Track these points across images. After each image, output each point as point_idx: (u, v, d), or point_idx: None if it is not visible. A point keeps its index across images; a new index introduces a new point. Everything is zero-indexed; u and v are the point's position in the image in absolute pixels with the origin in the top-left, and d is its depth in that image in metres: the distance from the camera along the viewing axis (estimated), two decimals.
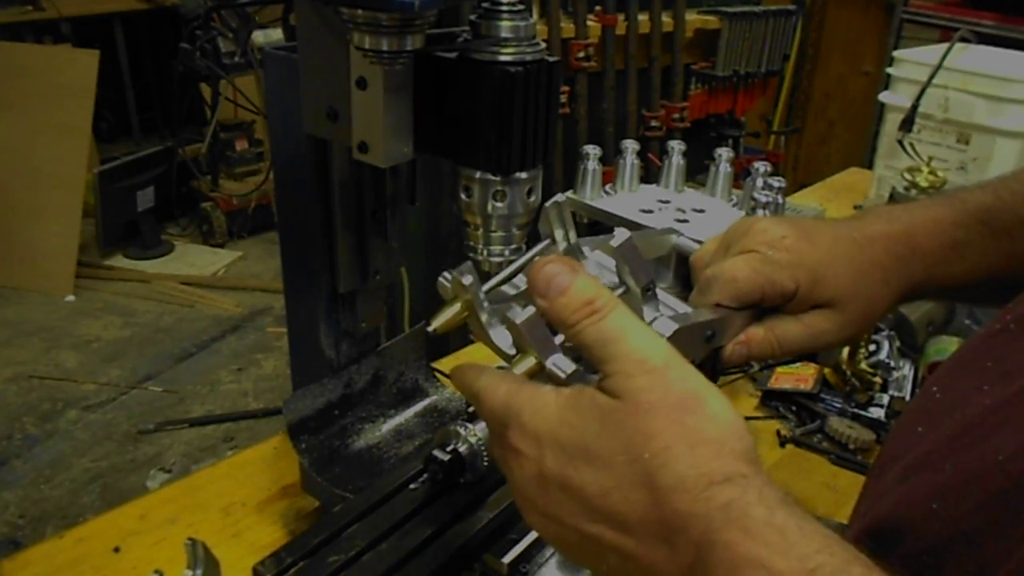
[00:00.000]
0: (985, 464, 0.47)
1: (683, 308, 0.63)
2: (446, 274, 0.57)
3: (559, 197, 0.60)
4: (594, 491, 0.44)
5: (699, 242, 0.72)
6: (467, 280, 0.55)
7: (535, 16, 0.66)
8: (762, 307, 0.64)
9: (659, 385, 0.44)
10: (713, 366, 0.82)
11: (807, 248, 0.64)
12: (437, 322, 0.57)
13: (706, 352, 0.64)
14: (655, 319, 0.57)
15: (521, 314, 0.48)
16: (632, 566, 0.45)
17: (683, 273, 0.78)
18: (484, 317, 0.55)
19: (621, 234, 0.54)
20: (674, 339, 0.55)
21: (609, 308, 0.46)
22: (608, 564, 0.46)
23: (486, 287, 0.59)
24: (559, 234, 0.63)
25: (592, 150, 0.93)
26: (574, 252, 0.63)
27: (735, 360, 0.63)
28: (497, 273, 0.69)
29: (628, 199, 0.93)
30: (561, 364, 0.49)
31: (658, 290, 0.58)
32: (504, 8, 0.63)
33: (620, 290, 0.57)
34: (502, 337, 0.55)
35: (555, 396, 0.47)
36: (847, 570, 0.39)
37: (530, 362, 0.50)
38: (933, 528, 0.48)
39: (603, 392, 0.46)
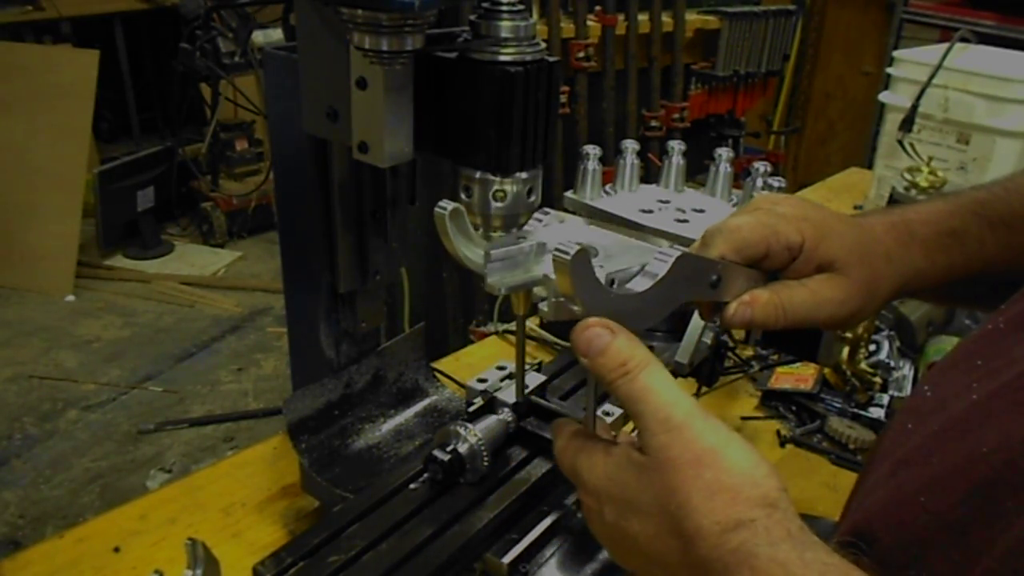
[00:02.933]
0: (970, 457, 0.47)
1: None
2: (443, 202, 0.58)
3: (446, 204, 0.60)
4: (643, 539, 0.50)
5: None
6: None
7: (535, 16, 0.66)
8: (767, 267, 0.63)
9: (679, 442, 0.48)
10: (712, 365, 0.82)
11: (811, 206, 0.65)
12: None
13: (709, 302, 0.62)
14: (658, 250, 0.55)
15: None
16: None
17: None
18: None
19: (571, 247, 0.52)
20: (679, 264, 0.55)
21: (639, 369, 0.50)
22: None
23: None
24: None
25: (592, 150, 0.93)
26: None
27: (738, 322, 0.62)
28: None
29: (628, 199, 0.93)
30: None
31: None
32: (504, 8, 0.63)
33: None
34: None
35: (603, 456, 0.53)
36: None
37: None
38: (920, 521, 0.48)
39: (637, 449, 0.51)
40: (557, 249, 0.49)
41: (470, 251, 0.61)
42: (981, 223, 0.68)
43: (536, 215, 0.65)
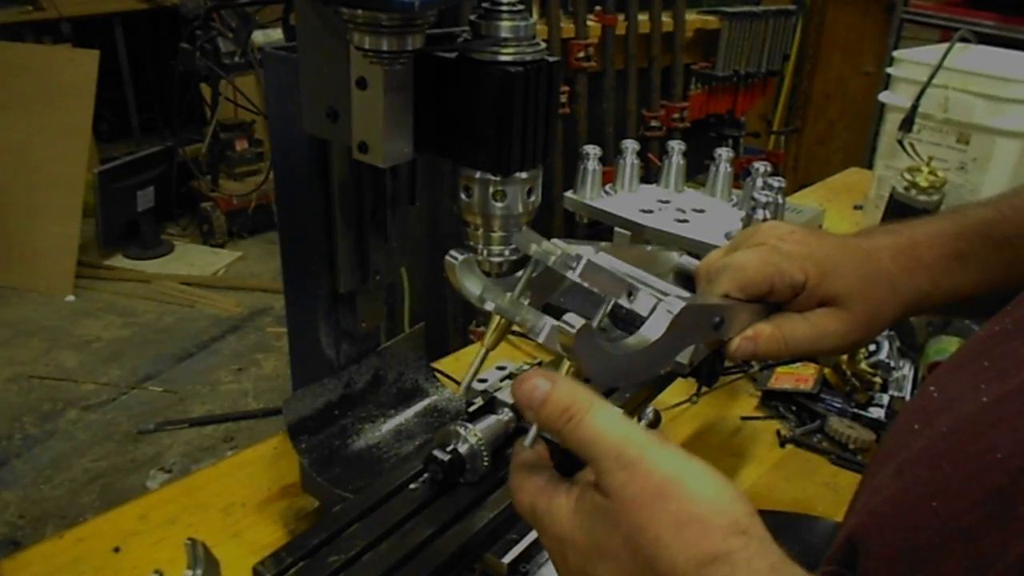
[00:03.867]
0: (983, 462, 0.47)
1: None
2: (454, 252, 0.59)
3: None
4: None
5: (701, 246, 0.72)
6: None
7: (535, 16, 0.66)
8: (770, 301, 0.64)
9: (637, 478, 0.46)
10: (712, 366, 0.82)
11: (816, 242, 0.65)
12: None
13: (713, 340, 0.63)
14: (659, 302, 0.56)
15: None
16: None
17: (682, 275, 0.78)
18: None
19: (574, 321, 0.53)
20: (681, 317, 0.55)
21: (583, 411, 0.49)
22: None
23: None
24: (535, 248, 0.61)
25: (592, 150, 0.93)
26: (566, 260, 0.62)
27: (741, 356, 0.63)
28: (497, 272, 0.69)
29: (628, 199, 0.93)
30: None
31: (665, 283, 0.58)
32: (504, 8, 0.63)
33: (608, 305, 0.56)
34: None
35: (566, 501, 0.51)
36: None
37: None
38: (931, 525, 0.48)
39: (598, 491, 0.49)
40: (563, 321, 0.50)
41: (478, 289, 0.61)
42: (987, 244, 0.68)
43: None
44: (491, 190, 0.68)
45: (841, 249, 0.65)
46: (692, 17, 3.35)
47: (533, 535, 0.71)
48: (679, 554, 0.44)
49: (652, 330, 0.55)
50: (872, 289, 0.65)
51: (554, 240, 0.63)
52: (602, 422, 0.48)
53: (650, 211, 0.89)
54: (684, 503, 0.45)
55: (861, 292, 0.64)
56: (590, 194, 0.93)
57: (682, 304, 0.55)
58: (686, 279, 0.73)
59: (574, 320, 0.50)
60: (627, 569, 0.47)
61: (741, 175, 0.98)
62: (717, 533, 0.44)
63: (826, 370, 1.12)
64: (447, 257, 0.60)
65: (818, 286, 0.63)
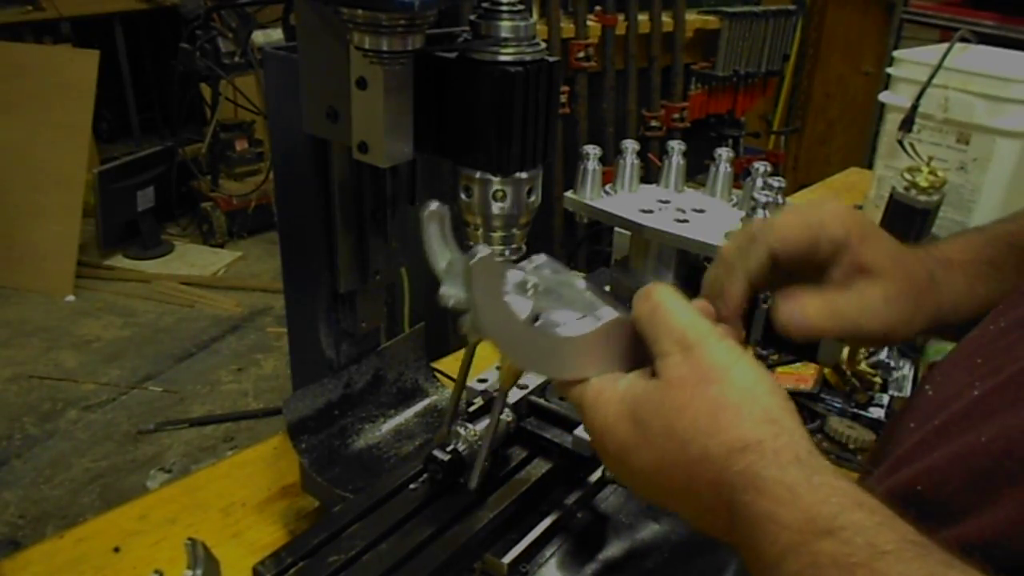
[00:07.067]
0: (970, 447, 0.47)
1: None
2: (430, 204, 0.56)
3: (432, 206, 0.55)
4: (648, 472, 0.50)
5: (701, 246, 0.72)
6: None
7: (535, 16, 0.66)
8: (815, 262, 0.61)
9: (689, 360, 0.49)
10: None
11: (853, 211, 0.64)
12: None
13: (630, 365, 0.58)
14: (595, 311, 0.54)
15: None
16: (698, 524, 0.51)
17: (683, 273, 0.78)
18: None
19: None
20: (606, 329, 0.54)
21: (659, 293, 0.52)
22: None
23: None
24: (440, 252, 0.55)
25: (592, 150, 0.92)
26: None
27: (793, 328, 0.60)
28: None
29: (628, 199, 0.93)
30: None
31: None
32: (504, 8, 0.63)
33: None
34: None
35: (612, 392, 0.52)
36: (843, 515, 0.42)
37: None
38: (914, 508, 0.48)
39: (649, 376, 0.51)
40: (469, 253, 0.47)
41: (441, 257, 0.56)
42: (1015, 252, 0.67)
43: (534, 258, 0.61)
44: (491, 190, 0.68)
45: (876, 225, 0.64)
46: (692, 17, 3.35)
47: (533, 535, 0.71)
48: (711, 438, 0.46)
49: (569, 328, 0.53)
50: (912, 265, 0.63)
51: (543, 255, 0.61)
52: (673, 306, 0.51)
53: (650, 211, 0.89)
54: (724, 388, 0.47)
55: (902, 263, 0.62)
56: (590, 194, 0.92)
57: (615, 315, 0.53)
58: (688, 270, 0.72)
59: (481, 249, 0.46)
60: (660, 456, 0.48)
61: (741, 175, 0.98)
62: (748, 421, 0.46)
63: (826, 370, 1.12)
64: (424, 211, 0.55)
65: (860, 245, 0.61)
